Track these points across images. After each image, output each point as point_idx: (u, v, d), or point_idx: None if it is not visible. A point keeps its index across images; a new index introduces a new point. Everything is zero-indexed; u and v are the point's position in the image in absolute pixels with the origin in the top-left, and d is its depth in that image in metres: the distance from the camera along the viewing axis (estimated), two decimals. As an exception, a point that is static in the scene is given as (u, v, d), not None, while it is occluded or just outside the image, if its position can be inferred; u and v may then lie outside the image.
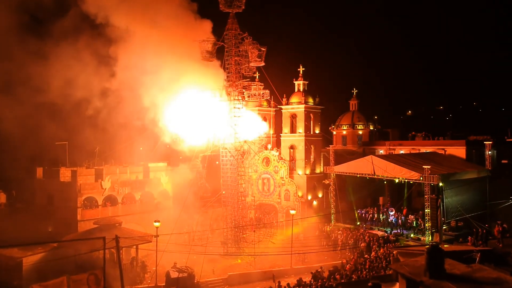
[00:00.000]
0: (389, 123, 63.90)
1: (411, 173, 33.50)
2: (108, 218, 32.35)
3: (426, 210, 32.87)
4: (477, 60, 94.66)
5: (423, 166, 32.58)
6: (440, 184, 32.35)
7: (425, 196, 32.70)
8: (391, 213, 38.92)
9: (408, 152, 43.67)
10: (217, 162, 37.84)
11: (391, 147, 45.17)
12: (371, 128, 52.96)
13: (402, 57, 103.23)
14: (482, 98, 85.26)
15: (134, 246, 31.36)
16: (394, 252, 30.51)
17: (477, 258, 23.46)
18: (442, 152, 41.31)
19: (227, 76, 35.38)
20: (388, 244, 33.90)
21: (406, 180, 35.13)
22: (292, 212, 33.17)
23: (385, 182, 41.03)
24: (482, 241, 27.31)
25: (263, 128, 42.88)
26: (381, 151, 47.00)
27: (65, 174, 35.26)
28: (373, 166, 36.46)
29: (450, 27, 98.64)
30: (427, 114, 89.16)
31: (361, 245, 35.15)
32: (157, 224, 29.90)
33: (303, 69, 43.51)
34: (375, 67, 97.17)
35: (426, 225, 32.98)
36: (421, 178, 32.60)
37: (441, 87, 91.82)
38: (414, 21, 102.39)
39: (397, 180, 36.30)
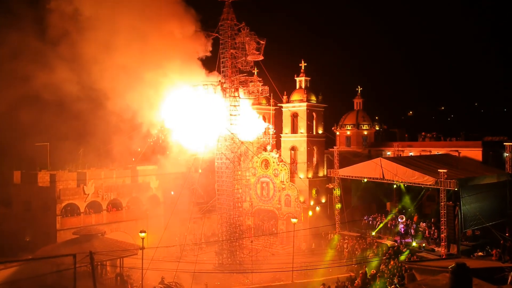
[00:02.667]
0: (392, 123, 61.00)
1: (425, 177, 30.34)
2: (90, 228, 29.23)
3: (441, 219, 29.69)
4: (478, 60, 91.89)
5: (439, 170, 29.39)
6: (456, 189, 29.19)
7: (441, 204, 29.51)
8: (401, 221, 35.80)
9: (418, 154, 40.54)
10: (216, 164, 34.54)
11: (399, 149, 42.01)
12: (377, 128, 49.81)
13: (403, 56, 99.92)
14: (483, 99, 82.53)
15: (119, 259, 28.27)
16: (405, 266, 27.56)
17: (510, 278, 20.23)
18: (456, 154, 38.17)
19: (222, 71, 32.25)
20: (400, 256, 30.84)
21: (417, 185, 32.02)
22: (294, 220, 30.00)
23: (394, 187, 37.91)
24: (510, 256, 24.23)
25: (261, 128, 39.68)
26: (389, 153, 43.89)
27: (43, 178, 32.09)
28: (382, 169, 33.31)
29: (452, 26, 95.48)
30: (428, 114, 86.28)
31: (370, 256, 32.07)
32: (142, 234, 26.75)
33: (305, 64, 40.40)
34: (379, 65, 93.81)
35: (442, 235, 29.80)
36: (437, 183, 29.47)
37: (442, 88, 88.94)
38: (415, 20, 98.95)
39: (406, 185, 33.24)
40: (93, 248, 27.24)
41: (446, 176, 29.10)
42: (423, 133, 43.11)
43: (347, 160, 40.76)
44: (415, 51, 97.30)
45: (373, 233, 35.37)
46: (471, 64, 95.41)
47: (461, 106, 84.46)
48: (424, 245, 31.99)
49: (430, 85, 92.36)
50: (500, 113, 77.53)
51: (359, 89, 51.54)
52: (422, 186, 31.47)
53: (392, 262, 30.18)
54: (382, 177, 33.42)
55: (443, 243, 29.59)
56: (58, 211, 31.02)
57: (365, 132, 49.23)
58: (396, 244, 33.20)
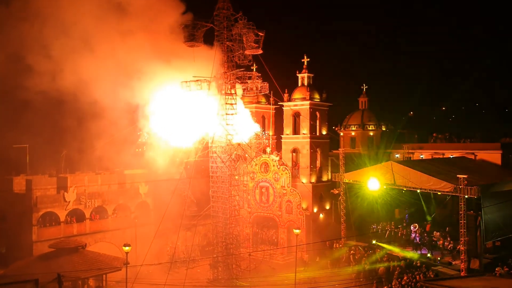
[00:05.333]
0: (399, 123, 58.07)
1: (442, 183, 27.37)
2: (68, 240, 26.17)
3: (461, 229, 26.67)
4: (478, 60, 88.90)
5: (458, 176, 26.41)
6: (477, 197, 26.21)
7: (460, 213, 26.50)
8: (414, 229, 32.83)
9: (430, 157, 37.64)
10: (210, 167, 31.46)
11: (409, 151, 38.99)
12: (383, 129, 46.84)
13: (405, 55, 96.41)
14: (484, 99, 79.80)
15: (101, 274, 25.26)
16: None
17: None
18: (472, 157, 35.21)
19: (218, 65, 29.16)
20: (414, 271, 27.87)
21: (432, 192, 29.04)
22: (297, 231, 26.93)
23: (403, 191, 34.87)
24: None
25: (260, 129, 36.68)
26: (397, 156, 40.96)
27: (20, 184, 29.06)
28: (393, 174, 30.37)
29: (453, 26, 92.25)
30: (429, 114, 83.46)
31: (379, 270, 29.12)
32: (127, 248, 23.80)
33: (308, 59, 37.38)
34: (383, 63, 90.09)
35: (461, 247, 26.77)
36: (455, 190, 26.47)
37: (442, 88, 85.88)
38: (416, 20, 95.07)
39: (418, 191, 30.24)
40: (71, 264, 24.34)
41: (466, 182, 26.16)
42: (434, 134, 40.12)
43: (352, 162, 37.86)
44: (418, 50, 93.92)
45: (374, 241, 32.54)
46: (470, 64, 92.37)
47: (461, 107, 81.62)
48: (439, 258, 29.00)
49: (432, 85, 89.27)
50: (502, 113, 75.22)
51: (364, 87, 48.60)
52: (439, 193, 28.52)
53: (405, 277, 27.32)
54: (393, 182, 30.51)
55: (462, 257, 26.57)
56: (34, 221, 27.96)
57: (371, 133, 46.29)
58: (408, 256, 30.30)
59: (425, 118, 79.20)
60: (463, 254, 26.46)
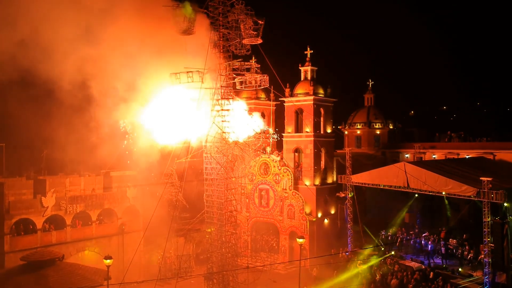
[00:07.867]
0: (407, 121, 55.19)
1: (463, 187, 24.53)
2: (43, 251, 23.25)
3: (485, 239, 23.80)
4: (479, 60, 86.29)
5: (481, 178, 23.58)
6: (505, 202, 23.39)
7: (484, 220, 23.62)
8: (426, 236, 29.98)
9: (443, 157, 34.82)
10: (205, 169, 28.59)
11: (420, 151, 36.10)
12: (391, 127, 44.04)
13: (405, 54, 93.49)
14: (484, 99, 77.35)
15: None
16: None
17: None
18: (490, 157, 32.35)
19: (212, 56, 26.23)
20: (430, 284, 25.07)
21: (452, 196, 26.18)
22: (300, 241, 23.99)
23: (416, 195, 32.02)
24: None
25: (259, 126, 33.76)
26: (407, 155, 38.18)
27: (-9, 187, 26.16)
28: (406, 176, 27.54)
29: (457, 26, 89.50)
30: (430, 114, 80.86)
31: (392, 282, 26.30)
32: (108, 262, 21.01)
33: (311, 51, 34.53)
34: (389, 58, 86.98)
35: (484, 259, 23.89)
36: (478, 194, 23.60)
37: (443, 87, 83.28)
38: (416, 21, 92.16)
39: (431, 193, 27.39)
40: (45, 279, 21.43)
41: (490, 185, 23.30)
42: (448, 132, 37.27)
43: (358, 163, 35.20)
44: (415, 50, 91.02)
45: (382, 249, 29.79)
46: (472, 63, 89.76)
47: (461, 106, 79.17)
48: (460, 269, 26.12)
49: (434, 84, 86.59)
50: (505, 112, 72.94)
51: (370, 83, 45.82)
52: (460, 197, 25.65)
53: (421, 291, 24.55)
54: (406, 185, 27.69)
55: (487, 269, 23.68)
56: (6, 229, 25.01)
57: (378, 132, 43.54)
58: (423, 267, 27.49)
59: (429, 117, 76.78)
60: (487, 266, 23.62)
